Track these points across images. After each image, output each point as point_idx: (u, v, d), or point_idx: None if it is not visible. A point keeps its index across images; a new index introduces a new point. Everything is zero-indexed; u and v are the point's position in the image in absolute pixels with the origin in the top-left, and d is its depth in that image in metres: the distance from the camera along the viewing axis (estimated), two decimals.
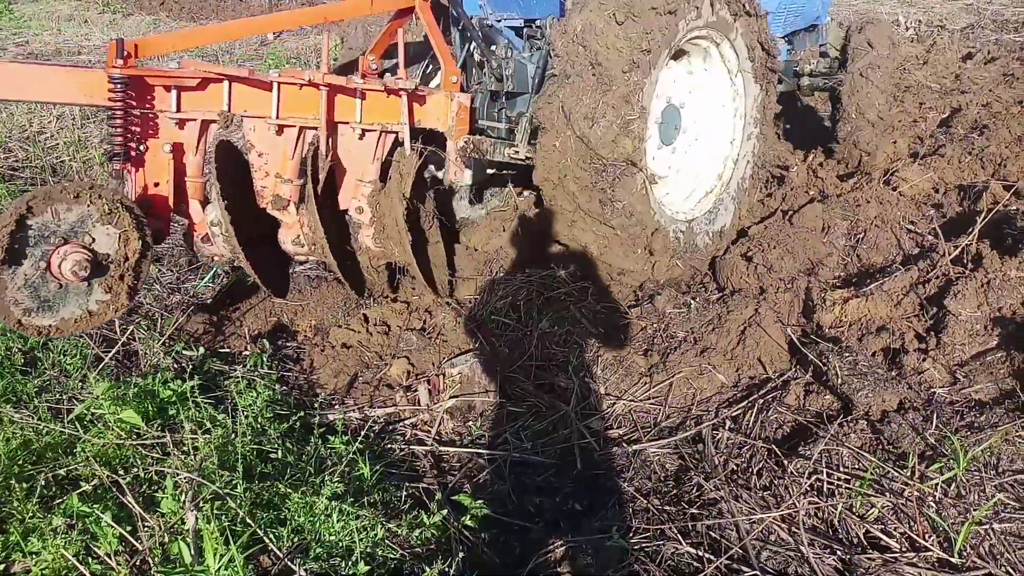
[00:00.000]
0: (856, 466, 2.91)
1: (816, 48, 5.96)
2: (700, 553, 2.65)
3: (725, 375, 3.48)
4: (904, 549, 2.59)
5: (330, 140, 3.51)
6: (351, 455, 2.79)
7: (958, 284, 3.63)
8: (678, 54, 4.13)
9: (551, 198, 3.77)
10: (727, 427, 3.23)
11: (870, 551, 2.60)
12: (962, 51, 9.88)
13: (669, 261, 4.02)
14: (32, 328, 2.77)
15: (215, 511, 2.37)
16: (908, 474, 2.81)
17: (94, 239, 2.89)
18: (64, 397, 3.10)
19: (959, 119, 6.85)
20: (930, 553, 2.56)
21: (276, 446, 2.84)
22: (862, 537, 2.66)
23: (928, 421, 3.03)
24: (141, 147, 3.13)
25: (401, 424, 3.41)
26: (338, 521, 2.46)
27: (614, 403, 3.49)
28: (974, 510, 2.64)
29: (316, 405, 3.34)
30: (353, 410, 3.44)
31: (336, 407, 3.45)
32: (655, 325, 3.80)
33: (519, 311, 3.99)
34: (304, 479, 2.71)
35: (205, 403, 3.02)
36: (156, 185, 3.20)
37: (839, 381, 3.22)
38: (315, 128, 3.45)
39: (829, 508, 2.76)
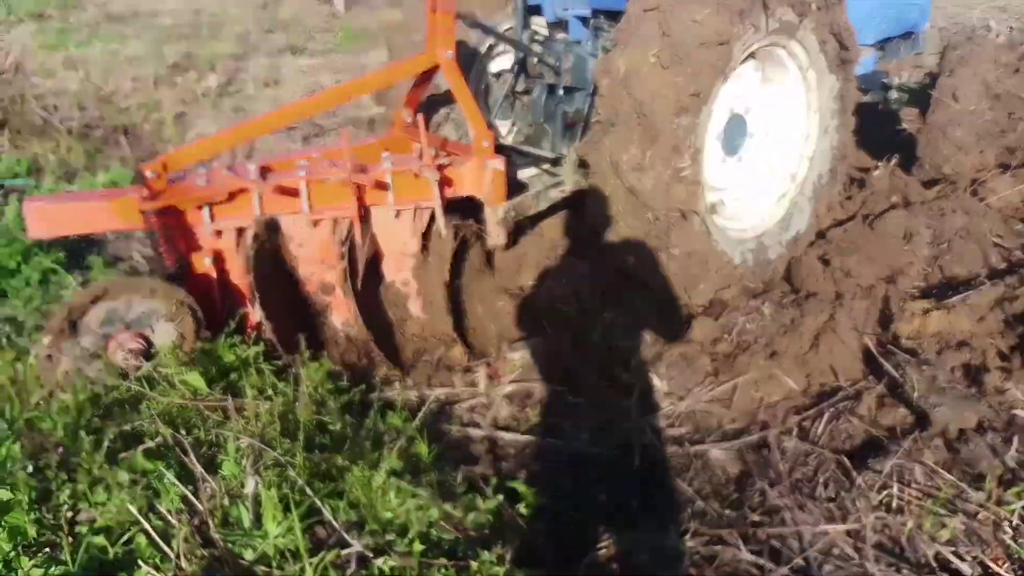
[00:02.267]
0: (929, 484, 2.80)
1: (911, 57, 5.53)
2: (760, 561, 2.58)
3: (795, 381, 3.39)
4: (976, 574, 2.48)
5: (365, 225, 3.55)
6: (410, 433, 2.76)
7: None
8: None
9: (604, 241, 3.69)
10: (794, 434, 3.15)
11: (939, 573, 2.50)
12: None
13: (736, 286, 3.87)
14: None
15: (275, 478, 2.36)
16: (984, 496, 2.70)
17: (153, 331, 3.08)
18: None
19: None
20: None
21: (335, 419, 2.83)
22: (931, 558, 2.56)
23: (1008, 443, 2.90)
24: (184, 262, 3.26)
25: (458, 406, 3.39)
26: (395, 498, 2.43)
27: (677, 402, 3.41)
28: None
29: (375, 382, 3.32)
30: (412, 389, 3.42)
31: (395, 385, 3.43)
32: (724, 324, 3.71)
33: (582, 301, 3.93)
34: (362, 453, 2.68)
35: (268, 370, 3.02)
36: (205, 295, 3.27)
37: (916, 395, 3.11)
38: (348, 217, 3.47)
39: (898, 525, 2.66)
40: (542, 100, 4.30)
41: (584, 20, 4.45)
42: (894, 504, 2.74)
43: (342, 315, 3.57)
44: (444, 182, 3.59)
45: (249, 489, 2.32)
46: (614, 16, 4.04)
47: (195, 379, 2.82)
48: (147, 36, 8.87)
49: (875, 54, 5.05)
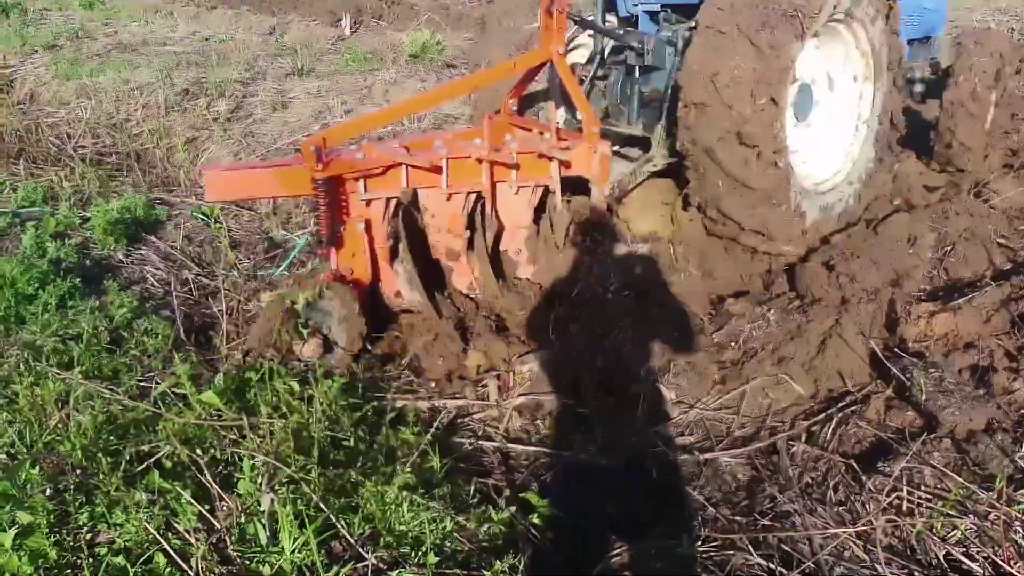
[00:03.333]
0: (939, 486, 2.81)
1: (927, 61, 5.84)
2: (771, 565, 2.58)
3: (803, 386, 3.41)
4: (987, 574, 2.49)
5: (489, 199, 3.99)
6: (422, 447, 2.80)
7: None
8: None
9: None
10: (803, 439, 3.17)
11: (950, 574, 2.51)
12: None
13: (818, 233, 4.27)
14: None
15: (290, 495, 2.40)
16: (995, 497, 2.70)
17: (331, 330, 3.55)
18: (147, 376, 3.19)
19: None
20: None
21: (349, 434, 2.87)
22: (942, 559, 2.56)
23: (1018, 443, 2.91)
24: (341, 228, 3.63)
25: (470, 418, 3.42)
26: (409, 511, 2.47)
27: (686, 410, 3.44)
28: None
29: (388, 395, 3.36)
30: (425, 400, 3.46)
31: (408, 396, 3.47)
32: (731, 332, 3.74)
33: (593, 310, 3.97)
34: (376, 468, 2.72)
35: (283, 388, 3.06)
36: (353, 256, 3.71)
37: (923, 397, 3.12)
38: (479, 191, 3.92)
39: (908, 527, 2.66)
40: (619, 82, 4.69)
41: (653, 15, 4.85)
42: (904, 506, 2.75)
43: (465, 278, 4.01)
44: (562, 163, 4.02)
45: (265, 506, 2.36)
46: (680, 9, 4.57)
47: (211, 398, 2.87)
48: (157, 64, 9.00)
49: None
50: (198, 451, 2.64)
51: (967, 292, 3.78)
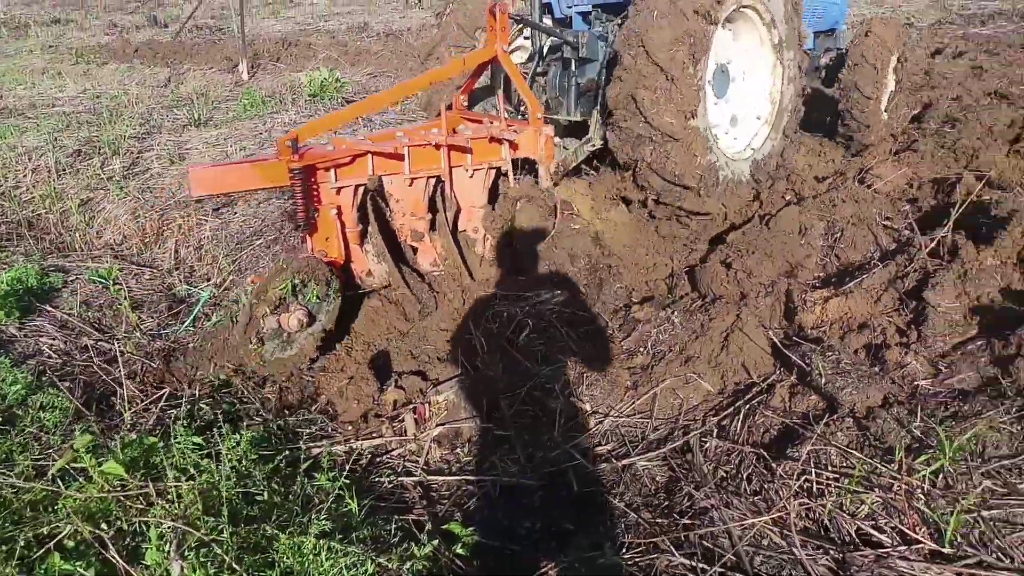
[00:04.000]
0: (844, 464, 2.90)
1: (833, 51, 6.63)
2: (694, 563, 2.63)
3: (710, 382, 3.48)
4: (896, 544, 2.58)
5: (449, 182, 4.41)
6: (337, 491, 2.76)
7: (936, 276, 3.65)
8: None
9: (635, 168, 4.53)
10: (715, 434, 3.23)
11: (862, 548, 2.59)
12: (931, 47, 9.98)
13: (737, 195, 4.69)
14: (267, 363, 3.85)
15: (201, 559, 2.34)
16: (896, 468, 2.80)
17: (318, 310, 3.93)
18: (45, 454, 3.07)
19: (931, 114, 6.90)
20: (922, 545, 2.55)
21: (262, 487, 2.81)
22: (854, 534, 2.65)
23: (913, 414, 3.03)
24: (315, 215, 3.95)
25: (388, 455, 3.39)
26: (327, 560, 2.43)
27: (601, 419, 3.47)
28: (962, 499, 2.63)
29: (301, 441, 3.31)
30: (339, 443, 3.41)
31: (323, 441, 3.42)
32: (639, 338, 3.80)
33: (504, 329, 4.00)
34: (292, 519, 2.68)
35: (190, 449, 2.99)
36: (327, 240, 4.05)
37: (823, 381, 3.22)
38: (438, 175, 4.34)
39: (819, 508, 2.75)
40: (558, 77, 5.22)
41: (584, 15, 5.49)
42: (814, 488, 2.83)
43: (428, 257, 4.44)
44: (512, 145, 4.45)
45: (175, 574, 2.29)
46: (608, 8, 5.22)
47: (113, 468, 2.78)
48: (46, 126, 8.73)
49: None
50: (103, 526, 2.55)
51: (857, 275, 3.92)
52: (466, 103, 4.96)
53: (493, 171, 4.53)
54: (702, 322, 3.68)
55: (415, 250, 4.45)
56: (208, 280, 5.38)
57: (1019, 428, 2.88)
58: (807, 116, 5.58)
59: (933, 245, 3.96)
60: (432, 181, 4.34)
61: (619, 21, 4.63)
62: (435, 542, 2.61)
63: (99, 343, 4.28)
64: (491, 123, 4.55)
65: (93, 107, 9.99)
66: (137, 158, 7.73)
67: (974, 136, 5.88)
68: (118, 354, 3.84)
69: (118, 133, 8.30)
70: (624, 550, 2.75)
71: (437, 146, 4.25)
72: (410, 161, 4.18)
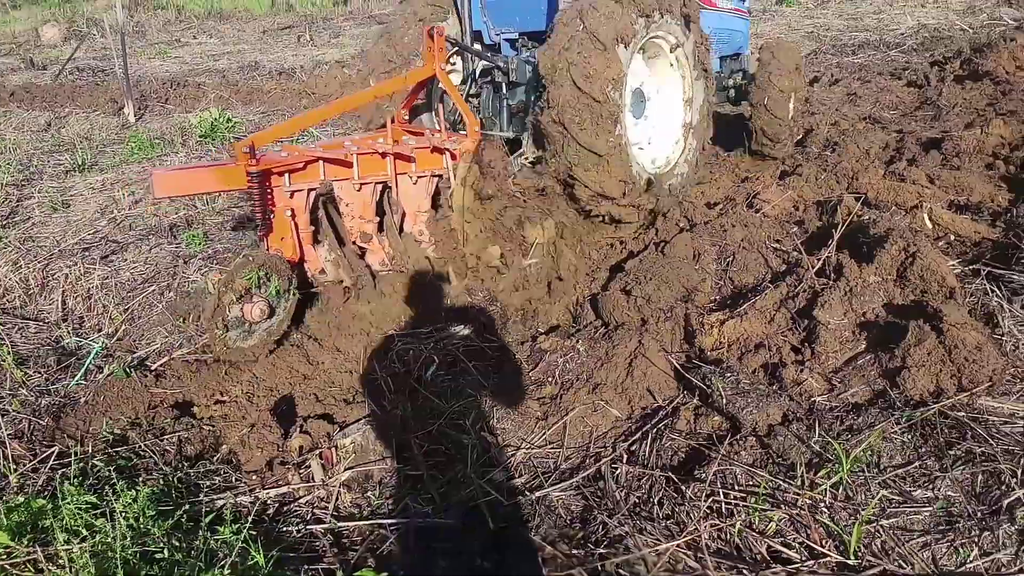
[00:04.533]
0: (750, 483, 2.96)
1: (739, 73, 7.32)
2: None
3: (618, 408, 3.51)
4: (804, 559, 2.65)
5: (395, 188, 4.79)
6: (241, 544, 2.65)
7: (824, 295, 3.80)
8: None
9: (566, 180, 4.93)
10: (625, 460, 3.25)
11: (773, 565, 2.64)
12: (808, 76, 10.55)
13: (643, 199, 5.01)
14: (230, 350, 4.08)
15: None
16: (799, 484, 2.89)
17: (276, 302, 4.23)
18: None
19: (812, 138, 7.27)
20: (829, 558, 2.63)
21: (162, 544, 2.68)
22: (764, 553, 2.70)
23: (811, 430, 3.13)
24: (271, 217, 4.26)
25: (296, 503, 3.29)
26: None
27: (514, 452, 3.46)
28: (862, 510, 2.73)
29: (203, 494, 3.18)
30: (244, 493, 3.29)
31: (226, 492, 3.29)
32: (546, 368, 3.82)
33: (410, 367, 3.96)
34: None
35: (82, 509, 2.82)
36: (282, 239, 4.36)
37: (724, 401, 3.30)
38: (385, 182, 4.73)
39: (730, 528, 2.79)
40: (490, 98, 5.71)
41: (512, 42, 6.04)
42: (723, 508, 2.88)
43: (377, 257, 4.76)
44: (452, 154, 4.78)
45: None
46: (533, 36, 5.78)
47: None
48: None
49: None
50: None
51: (751, 297, 4.06)
52: (407, 117, 5.32)
53: (436, 178, 4.91)
54: (607, 349, 3.72)
55: (364, 251, 4.76)
56: (99, 330, 5.13)
57: (909, 437, 3.02)
58: (717, 133, 6.07)
59: (820, 265, 4.15)
60: (379, 187, 4.74)
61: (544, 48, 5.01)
62: None
63: None
64: (432, 135, 4.95)
65: None
66: (16, 206, 7.35)
67: (853, 159, 6.22)
68: (5, 412, 3.61)
69: None
70: None
71: (383, 154, 4.65)
72: (358, 168, 4.56)
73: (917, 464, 2.92)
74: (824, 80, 10.24)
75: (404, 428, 3.61)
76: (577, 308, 4.40)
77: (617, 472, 3.20)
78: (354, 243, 4.71)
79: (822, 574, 2.58)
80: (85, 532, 2.69)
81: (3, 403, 3.98)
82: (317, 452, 3.45)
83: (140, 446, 3.57)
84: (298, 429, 3.62)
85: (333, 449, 3.42)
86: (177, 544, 2.72)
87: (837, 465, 2.89)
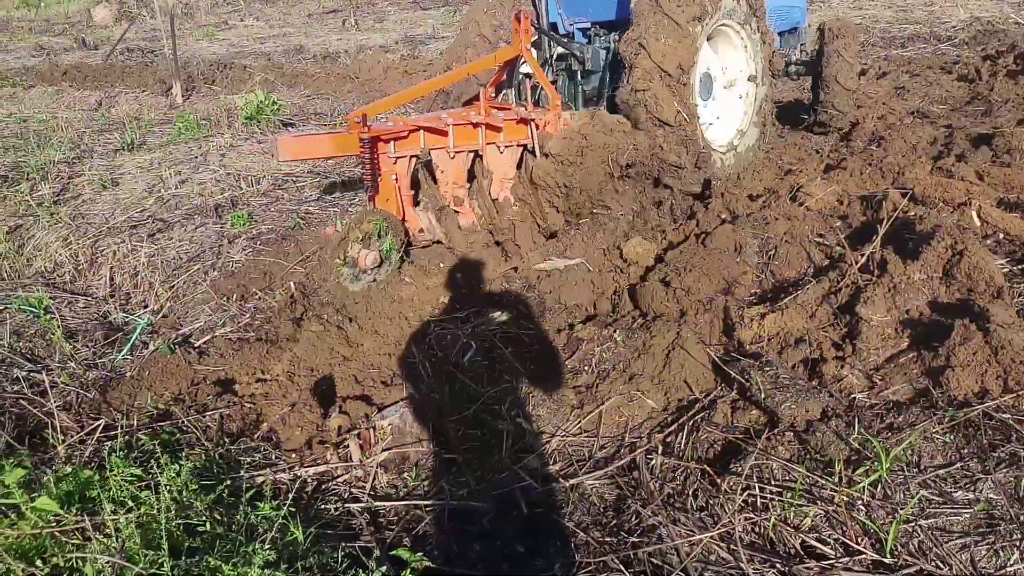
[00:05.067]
0: (786, 478, 2.95)
1: (797, 47, 7.69)
2: None
3: (654, 400, 3.51)
4: (839, 555, 2.64)
5: (484, 156, 5.27)
6: (281, 520, 2.71)
7: (867, 291, 3.76)
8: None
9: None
10: (660, 451, 3.26)
11: (807, 560, 2.64)
12: (856, 68, 10.36)
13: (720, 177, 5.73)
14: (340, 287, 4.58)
15: None
16: (836, 480, 2.87)
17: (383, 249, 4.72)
18: None
19: (858, 132, 7.16)
20: (864, 556, 2.61)
21: (204, 518, 2.74)
22: (798, 547, 2.70)
23: (851, 426, 3.10)
24: (379, 180, 4.78)
25: (334, 482, 3.34)
26: None
27: (549, 439, 3.49)
28: (901, 509, 2.71)
29: (244, 470, 3.25)
30: (283, 471, 3.36)
31: (266, 469, 3.36)
32: (583, 357, 3.83)
33: (448, 352, 3.99)
34: (236, 550, 2.62)
35: (128, 481, 2.90)
36: (387, 201, 4.89)
37: (763, 395, 3.28)
38: (476, 150, 5.20)
39: (764, 522, 2.79)
40: (566, 84, 6.22)
41: (585, 31, 6.41)
42: (758, 502, 2.88)
43: (468, 219, 5.22)
44: (537, 126, 5.20)
45: None
46: (605, 25, 6.19)
47: (46, 504, 2.68)
48: None
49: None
50: (37, 563, 2.46)
51: (792, 291, 4.02)
52: (493, 94, 5.82)
53: (520, 148, 5.35)
54: (644, 340, 3.72)
55: (457, 213, 5.18)
56: (145, 307, 5.26)
57: (952, 438, 2.99)
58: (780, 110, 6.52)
59: (863, 261, 4.09)
60: (471, 155, 5.20)
61: (616, 36, 5.71)
62: (383, 569, 2.57)
63: (31, 374, 4.14)
64: (518, 109, 5.38)
65: (20, 131, 9.71)
66: (67, 183, 7.53)
67: (899, 154, 6.11)
68: (49, 385, 3.72)
69: (47, 158, 8.08)
70: (575, 570, 2.75)
71: (475, 125, 5.09)
72: (453, 137, 5.00)
73: (959, 465, 2.88)
74: (871, 73, 10.05)
75: (441, 412, 3.65)
76: (616, 298, 4.39)
77: (652, 463, 3.21)
78: (448, 206, 5.14)
79: (856, 571, 2.57)
80: (131, 503, 2.77)
81: (52, 375, 4.10)
82: (355, 432, 3.50)
83: (183, 421, 3.66)
84: (337, 409, 3.68)
85: (371, 430, 3.47)
86: (219, 518, 2.79)
87: (876, 463, 2.87)
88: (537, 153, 5.17)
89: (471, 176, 5.28)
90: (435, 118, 5.05)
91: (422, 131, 4.91)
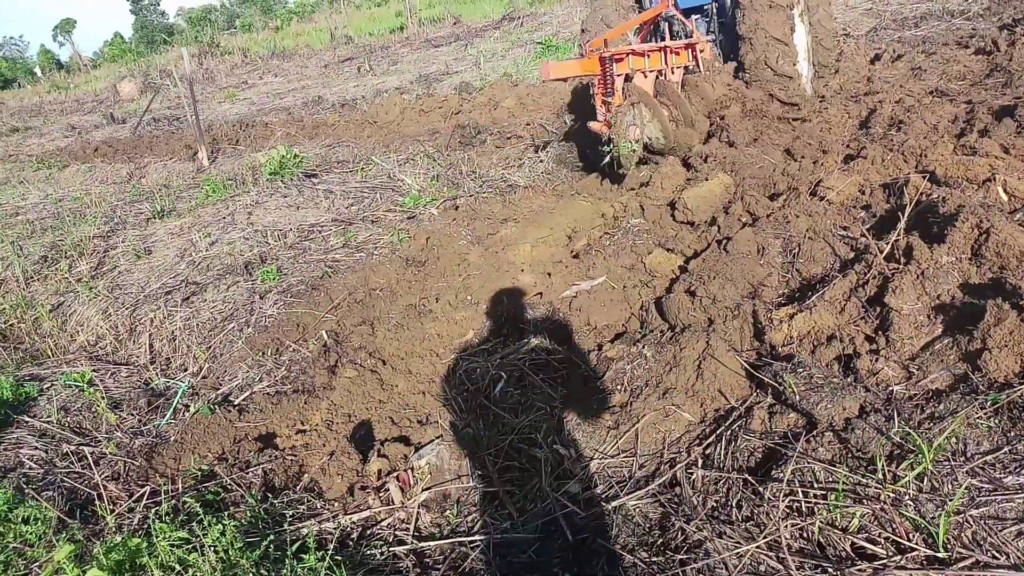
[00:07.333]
0: (829, 479, 2.89)
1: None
2: None
3: (690, 412, 3.48)
4: (891, 554, 2.57)
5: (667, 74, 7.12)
6: (326, 570, 2.73)
7: (895, 280, 3.68)
8: None
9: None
10: (700, 464, 3.22)
11: (859, 562, 2.57)
12: (869, 54, 10.24)
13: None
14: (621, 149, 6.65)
15: None
16: (880, 477, 2.80)
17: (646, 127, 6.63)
18: (29, 569, 3.02)
19: (876, 118, 7.05)
20: (917, 552, 2.54)
21: (251, 574, 2.78)
22: (848, 550, 2.64)
23: (890, 420, 3.03)
24: (612, 90, 6.68)
25: (378, 527, 3.36)
26: None
27: (587, 463, 3.46)
28: (949, 501, 2.63)
29: (287, 523, 3.28)
30: (327, 520, 3.38)
31: (309, 520, 3.39)
32: (615, 376, 3.81)
33: (479, 385, 4.00)
34: None
35: (174, 544, 2.95)
36: (618, 104, 6.62)
37: (798, 398, 3.23)
38: (660, 70, 6.98)
39: (811, 527, 2.73)
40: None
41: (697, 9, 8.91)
42: (803, 507, 2.82)
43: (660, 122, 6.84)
44: (698, 51, 7.29)
45: None
46: None
47: (97, 574, 2.74)
48: (9, 235, 8.74)
49: None
50: None
51: (819, 288, 3.96)
52: (642, 41, 8.51)
53: (681, 70, 7.21)
54: (674, 353, 3.69)
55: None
56: (185, 370, 5.36)
57: (996, 422, 2.90)
58: None
59: (889, 249, 4.02)
60: (653, 74, 6.90)
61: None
62: None
63: (80, 447, 4.24)
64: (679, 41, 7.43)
65: (56, 211, 10.01)
66: (104, 257, 7.74)
67: (920, 136, 6.00)
68: (95, 458, 3.80)
69: (82, 234, 8.32)
70: None
71: (662, 49, 6.92)
72: (648, 61, 6.81)
73: (1006, 449, 2.79)
74: (886, 57, 9.93)
75: (477, 445, 3.66)
76: (643, 313, 4.37)
77: (693, 477, 3.17)
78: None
79: (911, 568, 2.50)
80: (179, 567, 2.81)
81: (100, 447, 4.20)
82: (395, 475, 3.52)
83: (227, 480, 3.72)
84: (376, 453, 3.71)
85: (409, 471, 3.49)
86: (265, 573, 2.82)
87: (920, 456, 2.79)
88: (703, 70, 7.20)
89: (656, 89, 6.98)
90: (634, 48, 6.97)
91: (630, 56, 6.72)
